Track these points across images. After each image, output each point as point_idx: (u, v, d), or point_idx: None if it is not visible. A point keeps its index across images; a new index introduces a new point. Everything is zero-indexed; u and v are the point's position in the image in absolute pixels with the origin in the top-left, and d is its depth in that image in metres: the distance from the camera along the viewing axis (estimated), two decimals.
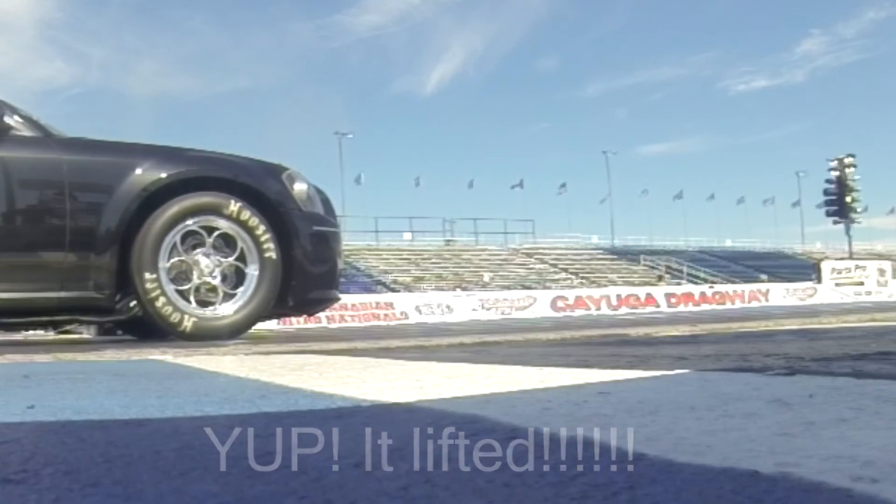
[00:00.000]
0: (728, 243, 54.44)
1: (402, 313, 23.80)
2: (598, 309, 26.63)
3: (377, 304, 24.53)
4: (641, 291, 29.82)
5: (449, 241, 45.58)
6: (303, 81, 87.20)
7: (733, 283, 36.43)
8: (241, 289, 4.15)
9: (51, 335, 8.76)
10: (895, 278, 31.69)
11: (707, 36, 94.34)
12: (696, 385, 1.45)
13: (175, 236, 4.05)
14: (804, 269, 39.26)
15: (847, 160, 37.43)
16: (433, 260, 41.57)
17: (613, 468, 0.75)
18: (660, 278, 37.81)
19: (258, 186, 4.24)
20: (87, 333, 8.74)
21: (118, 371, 2.17)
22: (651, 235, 54.65)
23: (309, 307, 4.75)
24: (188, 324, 3.99)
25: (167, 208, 4.02)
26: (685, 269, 41.73)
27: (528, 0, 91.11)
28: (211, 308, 4.12)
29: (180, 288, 4.06)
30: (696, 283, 36.76)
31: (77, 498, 0.72)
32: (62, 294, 3.91)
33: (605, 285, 36.03)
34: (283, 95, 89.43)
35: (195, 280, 4.10)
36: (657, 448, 0.83)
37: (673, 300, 28.30)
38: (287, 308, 4.44)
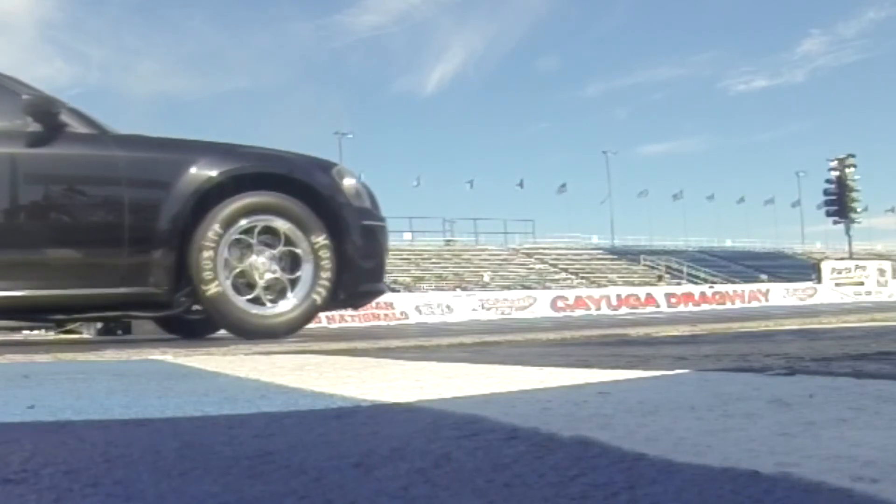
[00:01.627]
0: (728, 243, 54.54)
1: (402, 313, 23.80)
2: (598, 309, 26.62)
3: (377, 304, 24.48)
4: (641, 291, 29.82)
5: (449, 241, 45.58)
6: (303, 81, 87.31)
7: (733, 283, 36.43)
8: (284, 300, 4.19)
9: (51, 335, 8.76)
10: (895, 278, 31.68)
11: (707, 36, 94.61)
12: (695, 385, 1.45)
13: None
14: (804, 269, 39.28)
15: (847, 160, 37.43)
16: (433, 260, 41.56)
17: (613, 468, 0.75)
18: (660, 278, 37.80)
19: (311, 182, 4.29)
20: (86, 333, 8.74)
21: (118, 371, 2.17)
22: (651, 235, 54.87)
23: (358, 300, 4.80)
24: (214, 290, 3.99)
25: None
26: (685, 269, 41.74)
27: (528, 0, 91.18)
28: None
29: (237, 280, 4.11)
30: (696, 283, 36.76)
31: (77, 498, 0.72)
32: (122, 290, 3.94)
33: (605, 285, 36.04)
34: (283, 95, 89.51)
35: (249, 272, 4.15)
36: (657, 448, 0.83)
37: (673, 300, 28.30)
38: (338, 302, 4.50)
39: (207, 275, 3.97)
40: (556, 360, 2.21)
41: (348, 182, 4.41)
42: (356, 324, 21.08)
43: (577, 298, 27.56)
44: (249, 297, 4.11)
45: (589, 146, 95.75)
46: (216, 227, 4.00)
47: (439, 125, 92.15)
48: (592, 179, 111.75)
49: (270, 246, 4.17)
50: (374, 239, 4.49)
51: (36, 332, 9.71)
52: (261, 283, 4.13)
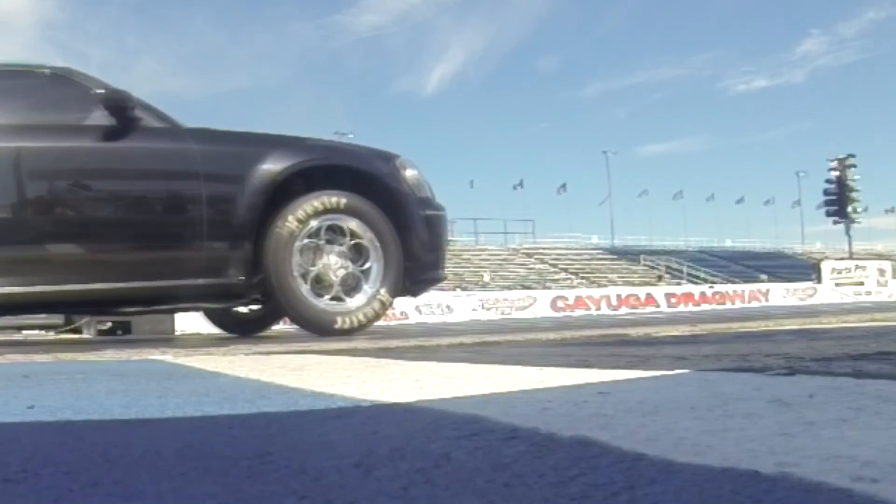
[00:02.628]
0: (728, 243, 54.55)
1: (402, 313, 23.75)
2: (598, 309, 26.59)
3: None
4: (641, 291, 29.79)
5: (449, 241, 45.51)
6: (303, 81, 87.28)
7: (733, 283, 36.40)
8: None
9: (51, 335, 8.76)
10: (895, 278, 31.66)
11: (707, 36, 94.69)
12: (696, 385, 1.45)
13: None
14: (804, 269, 39.26)
15: (847, 160, 37.40)
16: None
17: (613, 468, 0.75)
18: (660, 278, 37.79)
19: (377, 174, 4.37)
20: (86, 333, 8.74)
21: (118, 371, 2.17)
22: (651, 235, 54.80)
23: (420, 287, 4.88)
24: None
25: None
26: (685, 269, 41.74)
27: (527, 0, 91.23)
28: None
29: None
30: (696, 283, 36.74)
31: (77, 498, 0.72)
32: (200, 282, 3.99)
33: (605, 285, 36.02)
34: (283, 95, 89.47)
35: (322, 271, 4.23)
36: (657, 448, 0.83)
37: (673, 300, 28.28)
38: (403, 290, 4.58)
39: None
40: (556, 360, 2.21)
41: (411, 173, 4.48)
42: None
43: (577, 298, 27.53)
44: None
45: (589, 146, 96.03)
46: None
47: (439, 125, 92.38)
48: (592, 179, 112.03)
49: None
50: (435, 228, 4.60)
51: (36, 331, 9.71)
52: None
